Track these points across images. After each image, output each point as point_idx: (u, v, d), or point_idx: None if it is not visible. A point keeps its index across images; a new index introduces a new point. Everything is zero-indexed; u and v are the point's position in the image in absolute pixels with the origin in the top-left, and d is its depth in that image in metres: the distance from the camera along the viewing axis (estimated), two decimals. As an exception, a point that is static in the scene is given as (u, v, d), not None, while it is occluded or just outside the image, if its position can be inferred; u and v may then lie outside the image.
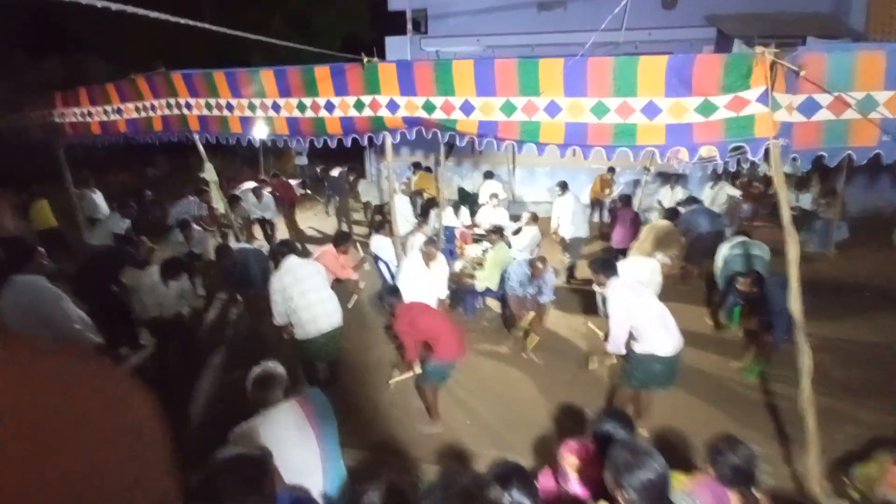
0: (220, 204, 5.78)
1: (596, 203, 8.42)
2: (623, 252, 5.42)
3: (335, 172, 8.80)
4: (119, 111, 5.11)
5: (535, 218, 6.03)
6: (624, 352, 3.24)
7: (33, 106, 5.96)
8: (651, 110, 2.86)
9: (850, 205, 7.30)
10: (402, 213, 6.08)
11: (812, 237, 6.90)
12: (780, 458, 3.23)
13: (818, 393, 2.79)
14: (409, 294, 3.75)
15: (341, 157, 8.71)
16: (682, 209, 5.96)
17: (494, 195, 6.87)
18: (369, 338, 4.88)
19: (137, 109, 4.94)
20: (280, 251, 3.66)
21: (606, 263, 3.34)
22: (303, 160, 12.04)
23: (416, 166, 8.77)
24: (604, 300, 3.71)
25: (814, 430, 2.74)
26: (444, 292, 4.39)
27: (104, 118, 5.27)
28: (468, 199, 7.94)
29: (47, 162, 6.16)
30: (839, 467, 2.99)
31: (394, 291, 3.52)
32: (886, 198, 8.63)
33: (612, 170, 8.04)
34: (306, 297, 3.50)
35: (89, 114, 5.37)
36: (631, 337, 3.20)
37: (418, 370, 3.39)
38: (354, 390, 4.05)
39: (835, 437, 3.23)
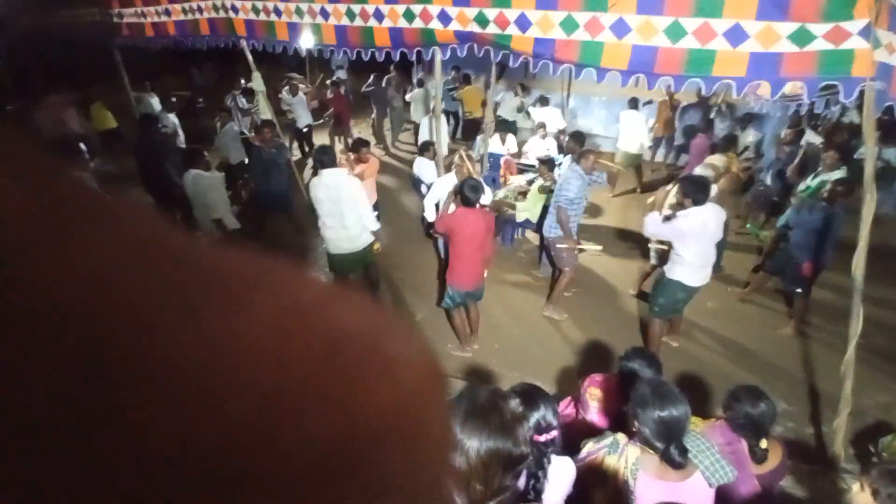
0: (267, 114, 5.79)
1: (663, 138, 7.59)
2: None
3: (382, 83, 8.48)
4: (168, 12, 5.04)
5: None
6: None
7: (86, 3, 5.96)
8: (736, 35, 2.53)
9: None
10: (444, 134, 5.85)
11: (889, 197, 6.22)
12: (808, 416, 3.21)
13: (859, 358, 2.70)
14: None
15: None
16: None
17: (542, 125, 6.51)
18: (409, 257, 5.00)
19: (185, 11, 4.84)
20: (319, 160, 3.50)
21: (702, 188, 3.08)
22: (342, 74, 11.71)
23: (466, 79, 8.36)
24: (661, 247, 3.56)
25: (849, 395, 2.69)
26: None
27: (155, 19, 5.22)
28: (508, 127, 7.54)
29: (104, 62, 6.26)
30: (866, 435, 2.97)
31: (475, 189, 3.21)
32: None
33: (669, 93, 7.05)
34: (333, 217, 3.45)
35: (143, 14, 5.33)
36: (667, 260, 3.29)
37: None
38: (391, 306, 4.26)
39: (866, 404, 3.17)
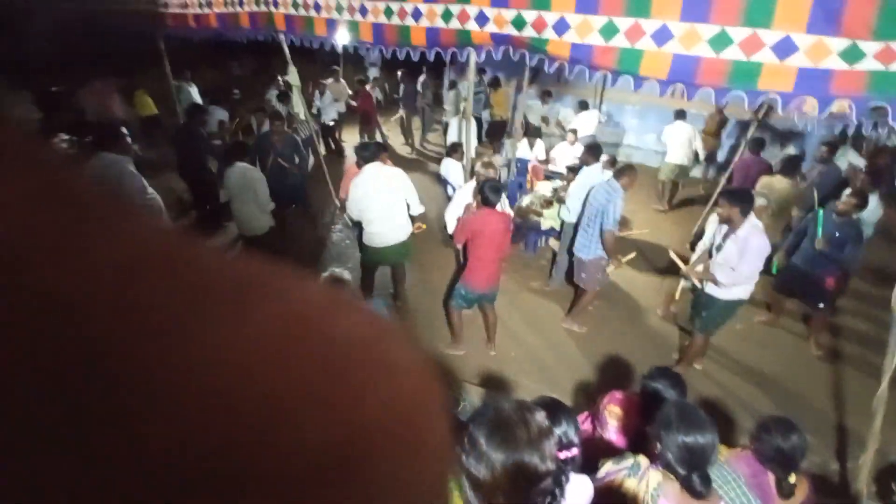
0: (300, 109, 5.87)
1: (708, 156, 7.28)
2: None
3: (414, 83, 8.53)
4: (210, 4, 5.15)
5: (612, 161, 5.60)
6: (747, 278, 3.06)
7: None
8: (785, 48, 2.43)
9: None
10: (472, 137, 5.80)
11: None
12: (832, 450, 3.07)
13: (889, 393, 2.57)
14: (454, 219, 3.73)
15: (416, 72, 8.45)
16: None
17: (573, 131, 6.42)
18: (431, 259, 4.99)
19: (226, 4, 4.95)
20: (363, 156, 3.56)
21: (746, 196, 2.99)
22: (374, 72, 11.80)
23: (495, 83, 8.32)
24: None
25: (878, 432, 2.56)
26: None
27: (198, 11, 5.35)
28: (535, 133, 7.47)
29: (148, 51, 6.45)
30: (889, 472, 2.83)
31: (496, 190, 3.24)
32: None
33: (720, 110, 6.96)
34: (382, 209, 3.50)
35: (186, 5, 5.47)
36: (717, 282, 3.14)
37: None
38: (412, 307, 4.25)
39: (891, 440, 3.01)
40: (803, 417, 3.07)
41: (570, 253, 4.09)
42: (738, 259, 2.96)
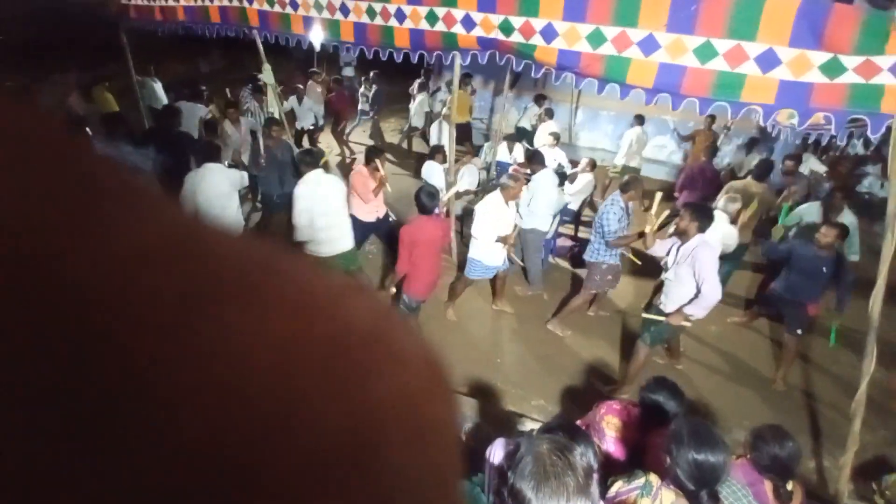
0: (275, 109, 5.67)
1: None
2: None
3: (386, 85, 8.42)
4: (177, -4, 4.91)
5: (593, 165, 5.67)
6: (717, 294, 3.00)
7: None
8: (768, 61, 2.49)
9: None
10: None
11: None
12: (810, 450, 3.18)
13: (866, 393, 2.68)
14: (487, 233, 3.66)
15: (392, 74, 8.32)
16: None
17: (554, 134, 6.46)
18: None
19: (195, -5, 4.73)
20: (304, 161, 3.43)
21: (706, 212, 2.96)
22: (349, 71, 11.60)
23: (467, 78, 8.22)
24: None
25: (857, 433, 2.66)
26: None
27: (164, 3, 5.09)
28: (525, 137, 7.45)
29: (110, 44, 6.09)
30: (868, 471, 2.94)
31: (432, 196, 3.19)
32: None
33: (712, 117, 6.65)
34: (326, 217, 3.40)
35: (151, -4, 5.20)
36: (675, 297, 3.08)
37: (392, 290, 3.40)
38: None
39: (869, 440, 3.15)
40: (780, 418, 3.18)
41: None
42: (688, 277, 2.91)
